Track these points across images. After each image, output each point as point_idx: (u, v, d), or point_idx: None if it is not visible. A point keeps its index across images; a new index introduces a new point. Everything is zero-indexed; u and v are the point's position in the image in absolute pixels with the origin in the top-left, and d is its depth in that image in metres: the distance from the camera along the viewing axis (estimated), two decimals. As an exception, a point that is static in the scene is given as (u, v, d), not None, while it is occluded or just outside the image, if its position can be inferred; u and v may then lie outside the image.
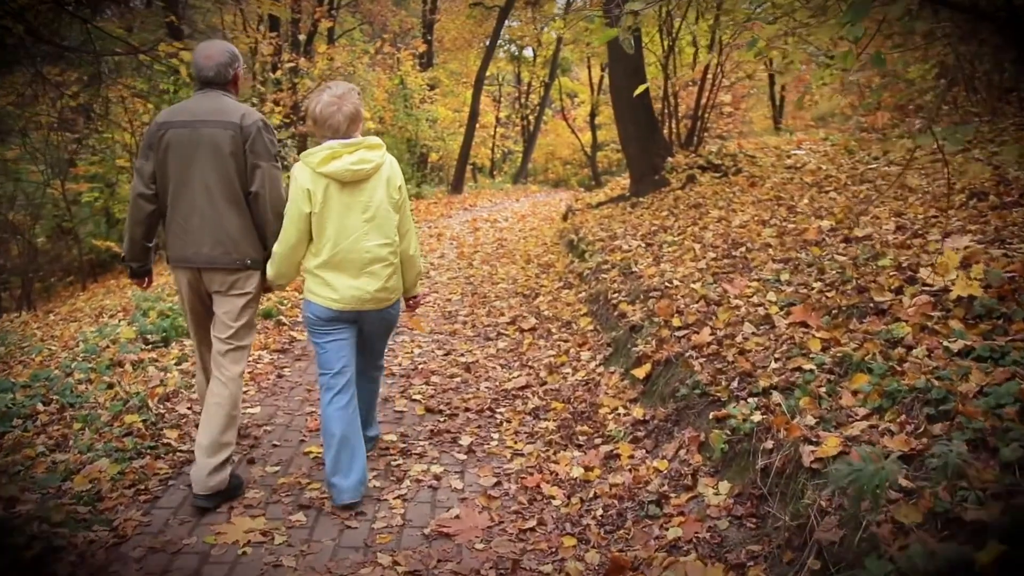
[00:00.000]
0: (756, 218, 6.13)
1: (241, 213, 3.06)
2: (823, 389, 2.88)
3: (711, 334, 3.72)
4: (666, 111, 10.53)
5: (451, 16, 22.47)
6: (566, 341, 5.01)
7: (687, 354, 3.66)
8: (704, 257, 5.26)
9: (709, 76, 10.52)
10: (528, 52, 24.69)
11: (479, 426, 3.83)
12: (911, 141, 8.55)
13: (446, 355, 4.99)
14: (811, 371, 3.05)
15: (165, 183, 3.06)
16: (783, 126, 16.89)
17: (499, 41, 20.95)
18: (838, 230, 5.17)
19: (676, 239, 6.11)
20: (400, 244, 3.08)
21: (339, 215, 2.90)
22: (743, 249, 5.27)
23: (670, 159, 9.08)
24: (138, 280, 3.35)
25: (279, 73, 15.49)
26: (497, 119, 25.69)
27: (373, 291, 2.98)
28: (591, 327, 5.13)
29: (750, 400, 3.03)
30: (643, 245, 6.27)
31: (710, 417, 3.13)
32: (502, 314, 5.87)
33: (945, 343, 2.87)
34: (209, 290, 3.13)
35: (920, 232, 4.58)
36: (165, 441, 3.58)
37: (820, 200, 6.47)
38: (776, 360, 3.29)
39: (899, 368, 2.81)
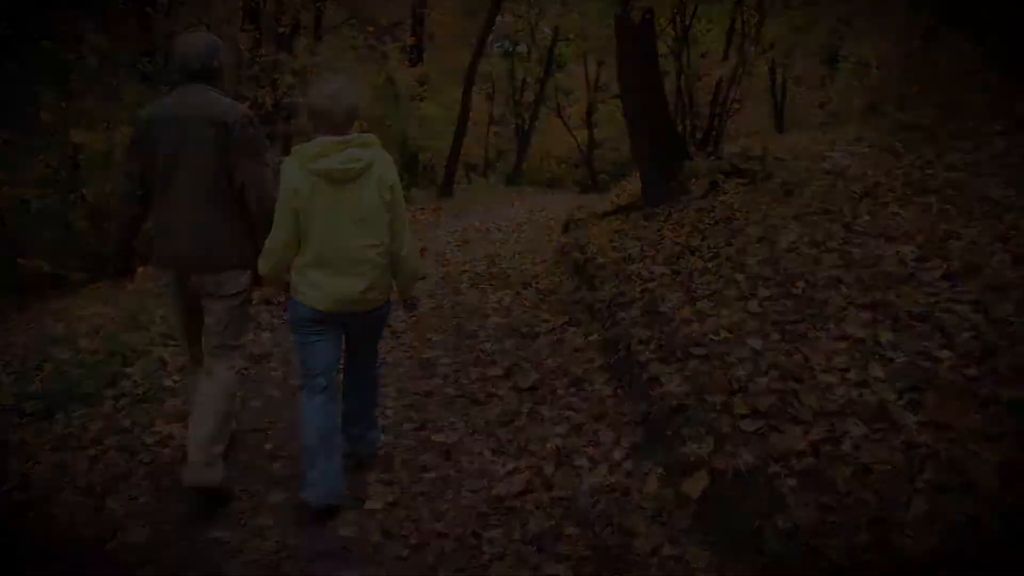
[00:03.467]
0: (806, 238, 4.92)
1: (227, 212, 3.00)
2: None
3: (804, 433, 2.52)
4: (680, 107, 9.34)
5: (442, 11, 21.28)
6: (577, 411, 3.80)
7: (769, 469, 2.46)
8: (754, 295, 4.06)
9: (727, 69, 9.35)
10: (522, 48, 23.53)
11: (458, 569, 2.61)
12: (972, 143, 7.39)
13: (418, 430, 3.77)
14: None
15: (151, 182, 3.01)
16: (787, 124, 15.76)
17: (492, 36, 19.75)
18: (926, 258, 4.00)
19: (710, 265, 4.91)
20: (392, 245, 2.95)
21: (327, 213, 2.82)
22: (803, 284, 4.07)
23: (688, 163, 7.87)
24: (129, 274, 3.31)
25: (257, 68, 14.36)
26: (491, 117, 24.45)
27: (359, 292, 2.90)
28: (610, 390, 3.93)
29: (901, 583, 1.83)
30: (668, 272, 5.06)
31: (827, 598, 1.94)
32: (494, 363, 4.66)
33: None
34: (198, 291, 3.06)
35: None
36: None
37: (882, 215, 5.28)
38: (921, 495, 2.10)
39: None
